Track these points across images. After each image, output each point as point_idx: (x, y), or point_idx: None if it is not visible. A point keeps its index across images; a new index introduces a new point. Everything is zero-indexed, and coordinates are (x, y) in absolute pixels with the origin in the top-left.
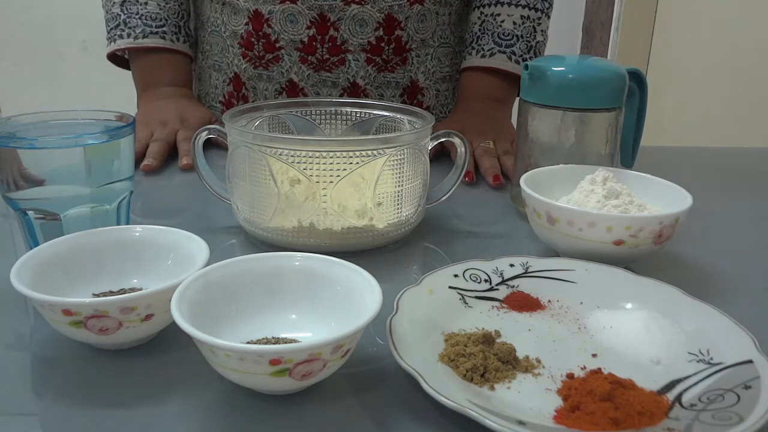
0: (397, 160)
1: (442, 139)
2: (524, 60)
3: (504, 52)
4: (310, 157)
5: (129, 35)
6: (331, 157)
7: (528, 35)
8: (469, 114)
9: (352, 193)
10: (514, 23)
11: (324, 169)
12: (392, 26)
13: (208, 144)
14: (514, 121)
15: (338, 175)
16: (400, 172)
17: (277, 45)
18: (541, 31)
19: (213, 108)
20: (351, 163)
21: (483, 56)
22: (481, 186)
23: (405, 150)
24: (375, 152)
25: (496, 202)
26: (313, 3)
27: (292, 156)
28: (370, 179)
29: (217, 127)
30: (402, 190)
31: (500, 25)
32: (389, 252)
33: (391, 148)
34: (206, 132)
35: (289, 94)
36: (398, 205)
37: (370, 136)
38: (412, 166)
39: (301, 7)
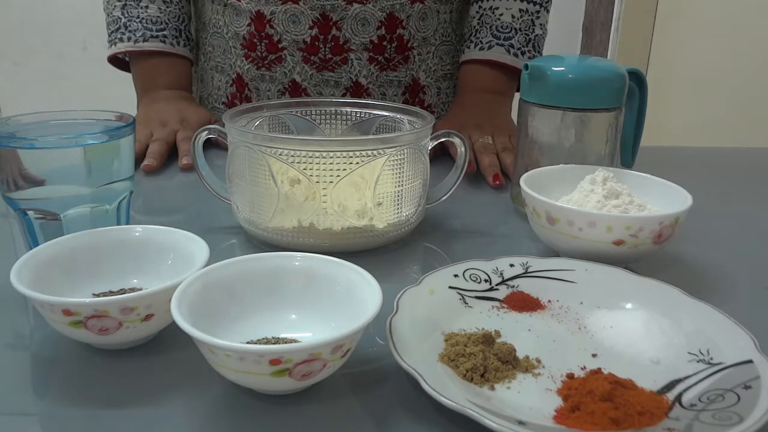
0: (397, 160)
1: (442, 139)
2: (523, 53)
3: (502, 45)
4: (310, 157)
5: (129, 39)
6: (331, 157)
7: (526, 28)
8: (467, 108)
9: (352, 193)
10: (513, 16)
11: (324, 169)
12: (394, 25)
13: (208, 144)
14: (514, 117)
15: (338, 175)
16: (400, 172)
17: (280, 45)
18: (540, 24)
19: (215, 110)
20: (351, 163)
21: (481, 49)
22: (481, 186)
23: (405, 150)
24: (375, 152)
25: (496, 202)
26: (315, 3)
27: (292, 156)
28: (370, 179)
29: (217, 127)
30: (402, 190)
31: (498, 18)
32: (389, 252)
33: (391, 148)
34: (206, 132)
35: (291, 95)
36: (398, 205)
37: (370, 136)
38: (412, 166)
39: (303, 7)
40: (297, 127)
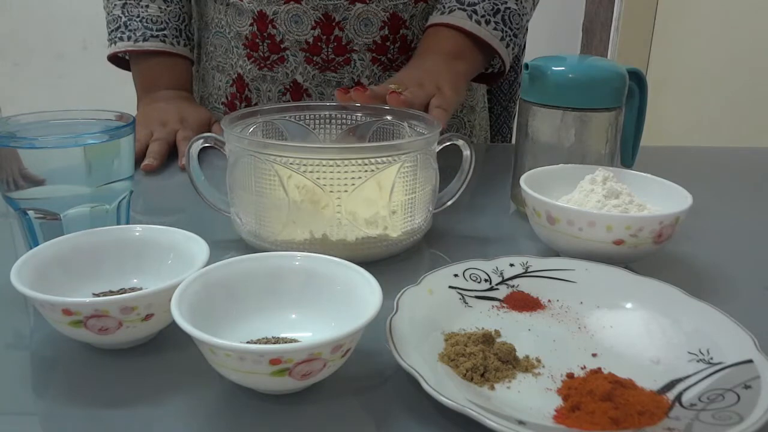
0: (410, 166)
1: (447, 143)
2: (487, 22)
3: (464, 10)
4: (324, 165)
5: (129, 38)
6: (345, 165)
7: None
8: (413, 69)
9: (366, 202)
10: None
11: (339, 178)
12: (397, 25)
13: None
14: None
15: (353, 184)
16: (413, 179)
17: (282, 46)
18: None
19: (215, 110)
20: (366, 171)
21: (442, 13)
22: (481, 187)
23: (417, 156)
24: (390, 159)
25: (497, 202)
26: (317, 3)
27: (304, 165)
28: (385, 187)
29: (214, 135)
30: (415, 197)
31: None
32: (393, 258)
33: (405, 154)
34: (201, 140)
35: (293, 95)
36: (411, 212)
37: (385, 143)
38: (423, 172)
39: (305, 7)
40: (290, 133)
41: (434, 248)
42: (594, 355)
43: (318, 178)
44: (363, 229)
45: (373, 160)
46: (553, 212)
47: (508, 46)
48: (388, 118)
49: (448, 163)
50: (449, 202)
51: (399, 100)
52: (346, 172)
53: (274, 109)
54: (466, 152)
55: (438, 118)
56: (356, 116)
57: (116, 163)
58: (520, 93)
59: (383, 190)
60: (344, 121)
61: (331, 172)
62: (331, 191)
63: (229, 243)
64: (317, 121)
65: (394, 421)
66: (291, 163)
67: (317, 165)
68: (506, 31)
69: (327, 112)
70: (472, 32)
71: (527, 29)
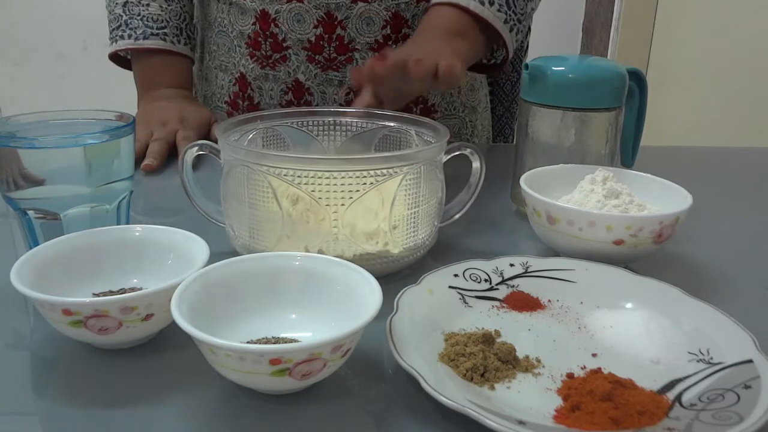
0: (413, 178)
1: (455, 153)
2: (491, 3)
3: None
4: (319, 177)
5: (130, 36)
6: (342, 177)
7: None
8: (411, 46)
9: (365, 216)
10: None
11: (335, 191)
12: (399, 24)
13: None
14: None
15: (351, 197)
16: (416, 192)
17: (285, 45)
18: None
19: (218, 109)
20: (365, 184)
21: None
22: (481, 187)
23: (421, 167)
24: (391, 171)
25: (496, 202)
26: (319, 2)
27: (299, 176)
28: (386, 200)
29: (209, 143)
30: (418, 211)
31: None
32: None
33: (407, 165)
34: (196, 148)
35: (295, 94)
36: (414, 227)
37: (386, 153)
38: (428, 185)
39: (308, 6)
40: (292, 140)
41: (434, 256)
42: (594, 355)
43: (313, 191)
44: (361, 244)
45: (372, 172)
46: (553, 212)
47: (511, 30)
48: (394, 125)
49: (454, 170)
50: (457, 216)
51: (421, 67)
52: (343, 184)
53: (276, 114)
54: (476, 164)
55: (451, 66)
56: (361, 123)
57: (116, 163)
58: (521, 93)
59: (384, 204)
60: (348, 127)
61: (327, 184)
62: (328, 204)
63: (227, 251)
64: (320, 128)
65: (394, 421)
66: (285, 175)
67: (312, 177)
68: (510, 15)
69: (331, 119)
70: (475, 12)
71: (530, 28)
